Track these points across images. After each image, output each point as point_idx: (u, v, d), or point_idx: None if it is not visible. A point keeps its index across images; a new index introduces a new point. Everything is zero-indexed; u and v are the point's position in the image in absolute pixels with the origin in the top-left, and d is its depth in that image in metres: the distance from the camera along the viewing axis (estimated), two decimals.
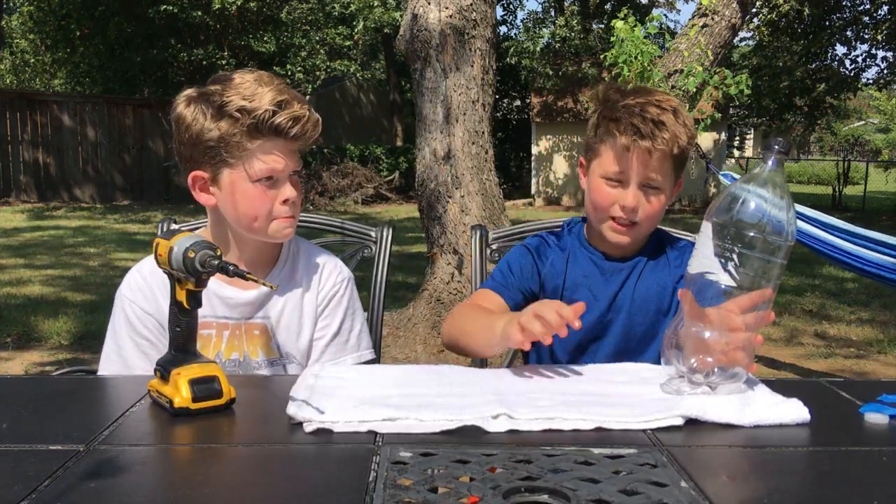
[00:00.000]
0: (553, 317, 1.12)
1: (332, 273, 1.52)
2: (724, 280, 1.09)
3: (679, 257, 1.51)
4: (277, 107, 1.32)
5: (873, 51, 16.84)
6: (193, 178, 1.39)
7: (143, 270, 1.45)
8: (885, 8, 15.57)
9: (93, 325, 4.92)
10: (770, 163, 1.10)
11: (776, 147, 1.09)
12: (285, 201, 1.38)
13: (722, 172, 4.28)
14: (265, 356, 1.44)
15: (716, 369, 1.10)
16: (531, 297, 1.48)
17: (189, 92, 1.38)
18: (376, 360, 1.61)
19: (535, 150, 17.10)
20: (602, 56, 4.73)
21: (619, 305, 1.46)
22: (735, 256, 1.08)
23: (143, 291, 1.43)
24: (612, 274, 1.48)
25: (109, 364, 1.44)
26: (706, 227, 1.12)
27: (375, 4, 16.62)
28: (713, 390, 1.09)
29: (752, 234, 1.08)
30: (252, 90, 1.33)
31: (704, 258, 1.11)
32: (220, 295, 1.42)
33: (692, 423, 1.01)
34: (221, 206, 1.40)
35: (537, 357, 1.53)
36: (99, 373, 1.44)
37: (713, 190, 15.74)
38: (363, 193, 15.37)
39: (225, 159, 1.34)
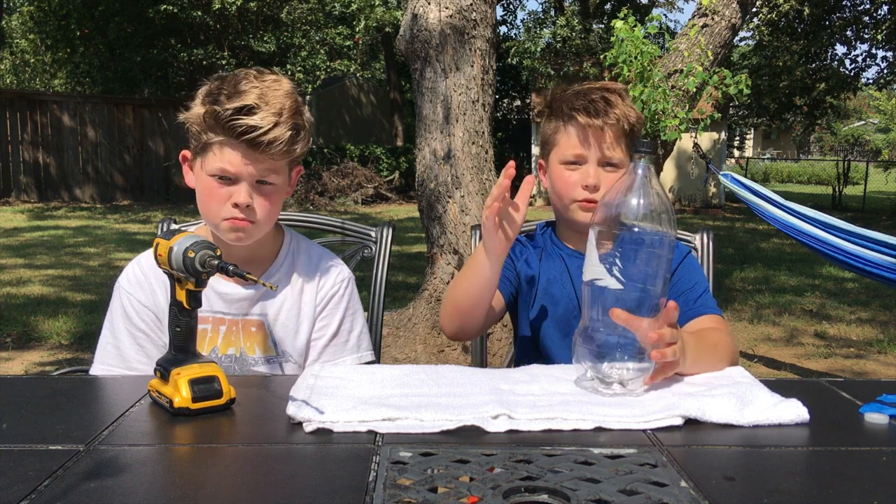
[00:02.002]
0: (495, 191, 1.24)
1: (333, 273, 1.52)
2: (612, 284, 1.11)
3: None
4: (241, 109, 1.30)
5: (873, 51, 16.85)
6: (182, 157, 1.43)
7: (143, 264, 1.46)
8: (885, 8, 15.56)
9: (93, 325, 4.92)
10: (640, 167, 1.13)
11: (641, 149, 1.13)
12: (235, 205, 1.35)
13: (722, 172, 4.29)
14: (262, 353, 1.45)
15: (627, 370, 1.11)
16: (516, 292, 1.55)
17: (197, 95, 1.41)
18: (376, 362, 1.61)
19: (535, 150, 17.11)
20: (602, 56, 4.73)
21: None
22: (618, 261, 1.11)
23: (142, 285, 1.44)
24: None
25: (105, 356, 1.45)
26: (591, 235, 1.15)
27: (376, 4, 16.61)
28: (624, 387, 1.11)
29: (629, 236, 1.11)
30: (241, 88, 1.32)
31: (592, 265, 1.14)
32: (216, 290, 1.42)
33: (692, 423, 1.01)
34: None
35: (526, 348, 1.55)
36: (94, 364, 1.45)
37: (713, 189, 15.76)
38: (363, 193, 15.36)
39: (193, 144, 1.38)
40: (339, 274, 1.53)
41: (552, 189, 1.53)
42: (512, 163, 1.23)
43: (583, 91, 1.49)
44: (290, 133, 1.34)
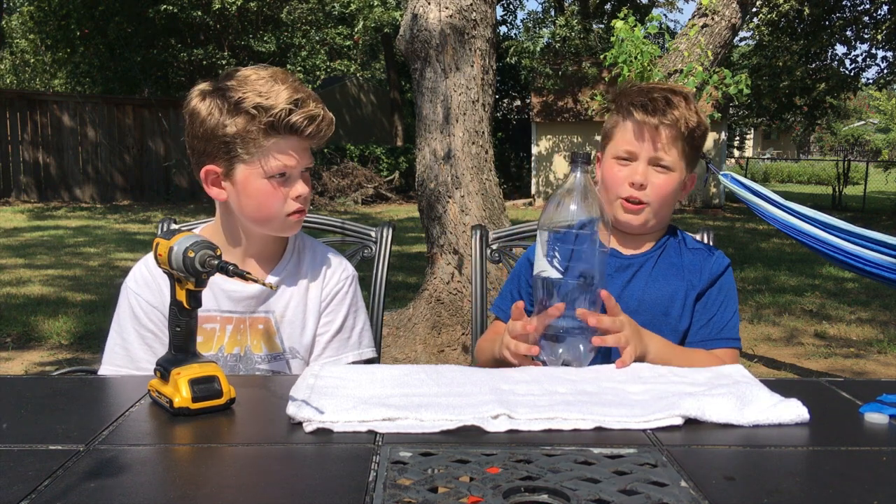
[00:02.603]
0: (519, 348, 1.29)
1: (337, 270, 1.53)
2: (553, 275, 1.27)
3: (697, 263, 1.50)
4: (294, 105, 1.34)
5: (873, 51, 16.84)
6: (206, 173, 1.40)
7: (149, 264, 1.47)
8: (885, 8, 15.56)
9: (93, 325, 4.92)
10: (577, 174, 1.29)
11: (580, 160, 1.29)
12: (297, 197, 1.41)
13: (722, 172, 4.28)
14: (268, 351, 1.46)
15: (579, 351, 1.29)
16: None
17: (203, 86, 1.40)
18: (377, 359, 1.61)
19: (535, 150, 17.09)
20: (602, 56, 4.73)
21: (625, 304, 1.45)
22: (558, 253, 1.26)
23: (149, 284, 1.45)
24: (620, 271, 1.49)
25: (113, 356, 1.45)
26: (539, 235, 1.30)
27: (375, 4, 16.61)
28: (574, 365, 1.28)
29: (566, 232, 1.27)
30: (268, 87, 1.34)
31: (539, 260, 1.30)
32: (224, 288, 1.43)
33: (692, 423, 1.01)
34: (233, 201, 1.41)
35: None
36: (103, 365, 1.45)
37: (713, 190, 15.75)
38: (363, 193, 15.36)
39: (240, 155, 1.36)
40: (344, 271, 1.54)
41: (602, 183, 1.54)
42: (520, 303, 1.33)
43: (646, 89, 1.49)
44: (330, 124, 1.41)
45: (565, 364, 1.28)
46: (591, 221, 1.27)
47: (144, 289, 1.45)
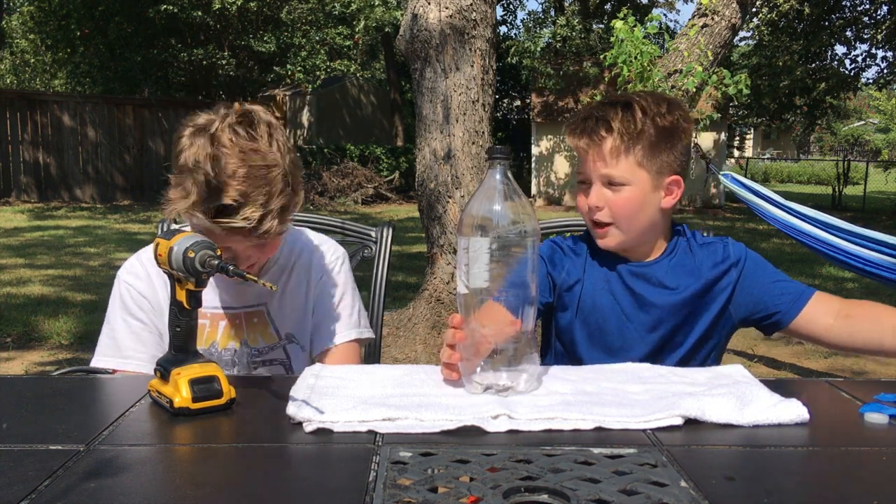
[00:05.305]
0: (453, 357, 1.11)
1: (327, 252, 1.54)
2: (461, 290, 1.10)
3: (711, 257, 1.47)
4: (221, 211, 1.24)
5: (873, 51, 16.85)
6: None
7: (143, 257, 1.50)
8: (885, 8, 15.56)
9: (93, 325, 4.92)
10: (497, 172, 1.11)
11: (497, 155, 1.11)
12: (250, 267, 1.39)
13: (722, 172, 4.28)
14: (265, 342, 1.48)
15: (521, 373, 1.10)
16: (544, 308, 1.48)
17: (200, 122, 1.28)
18: (376, 341, 1.65)
19: (535, 150, 17.09)
20: (602, 56, 4.73)
21: (647, 309, 1.44)
22: (464, 266, 1.09)
23: (139, 275, 1.47)
24: (634, 278, 1.46)
25: (104, 348, 1.46)
26: (460, 244, 1.11)
27: (376, 4, 16.62)
28: (518, 390, 1.09)
29: (493, 238, 1.08)
30: (224, 177, 1.23)
31: (462, 273, 1.11)
32: (217, 286, 1.45)
33: (692, 423, 1.01)
34: None
35: (558, 360, 1.51)
36: (95, 357, 1.46)
37: (713, 190, 15.75)
38: (363, 193, 15.36)
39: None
40: (334, 252, 1.55)
41: None
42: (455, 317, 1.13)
43: (583, 110, 1.45)
44: (277, 219, 1.27)
45: (504, 388, 1.10)
46: (519, 223, 1.10)
47: (133, 278, 1.47)
